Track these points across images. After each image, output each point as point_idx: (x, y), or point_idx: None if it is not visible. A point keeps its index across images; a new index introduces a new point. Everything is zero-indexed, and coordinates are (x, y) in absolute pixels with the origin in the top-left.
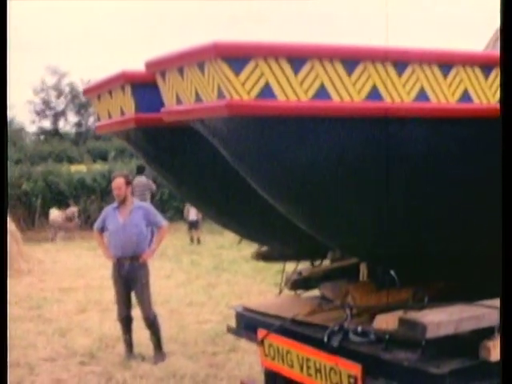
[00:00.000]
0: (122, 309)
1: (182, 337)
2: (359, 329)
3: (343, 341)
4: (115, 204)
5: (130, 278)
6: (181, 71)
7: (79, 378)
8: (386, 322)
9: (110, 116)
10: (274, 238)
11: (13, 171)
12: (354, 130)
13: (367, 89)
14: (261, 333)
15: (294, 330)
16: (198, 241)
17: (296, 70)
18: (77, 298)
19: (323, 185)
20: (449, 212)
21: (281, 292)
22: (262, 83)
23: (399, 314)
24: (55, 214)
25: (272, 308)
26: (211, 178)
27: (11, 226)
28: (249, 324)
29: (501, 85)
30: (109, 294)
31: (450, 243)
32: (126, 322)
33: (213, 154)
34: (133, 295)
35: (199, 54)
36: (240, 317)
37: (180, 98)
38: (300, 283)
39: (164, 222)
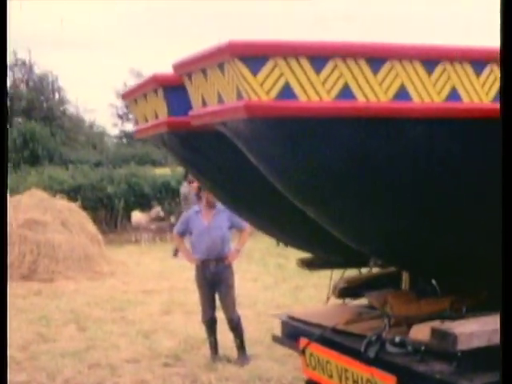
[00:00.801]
0: (207, 311)
1: (268, 339)
2: (397, 339)
3: (380, 351)
4: (197, 208)
5: (216, 280)
6: (204, 72)
7: (163, 380)
8: (422, 332)
9: (146, 120)
10: (316, 244)
11: (94, 174)
12: (381, 131)
13: (395, 88)
14: (302, 342)
15: (333, 339)
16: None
17: (318, 69)
18: (161, 300)
19: (346, 187)
20: (483, 219)
21: (328, 300)
22: (281, 83)
23: (434, 324)
24: (138, 216)
25: (314, 316)
26: (247, 182)
27: (92, 228)
28: (292, 333)
29: (501, 84)
30: (193, 296)
31: (485, 250)
32: (211, 324)
33: (247, 156)
34: (217, 297)
35: (217, 54)
36: (284, 325)
37: (205, 100)
38: (347, 291)
39: (247, 225)
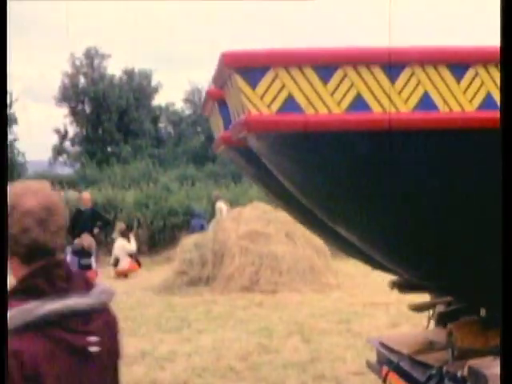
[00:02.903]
0: None
1: None
2: (458, 374)
3: None
4: None
5: None
6: (228, 85)
7: None
8: None
9: (217, 135)
10: (399, 265)
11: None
12: (400, 144)
13: (417, 97)
14: (384, 370)
15: (405, 369)
16: None
17: (325, 79)
18: (388, 312)
19: (367, 203)
20: None
21: (428, 326)
22: (283, 95)
23: (472, 362)
24: None
25: (397, 343)
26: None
27: (318, 240)
28: (381, 359)
29: (501, 86)
30: None
31: None
32: None
33: None
34: None
35: (220, 66)
36: (376, 351)
37: (234, 113)
38: (447, 316)
39: None
